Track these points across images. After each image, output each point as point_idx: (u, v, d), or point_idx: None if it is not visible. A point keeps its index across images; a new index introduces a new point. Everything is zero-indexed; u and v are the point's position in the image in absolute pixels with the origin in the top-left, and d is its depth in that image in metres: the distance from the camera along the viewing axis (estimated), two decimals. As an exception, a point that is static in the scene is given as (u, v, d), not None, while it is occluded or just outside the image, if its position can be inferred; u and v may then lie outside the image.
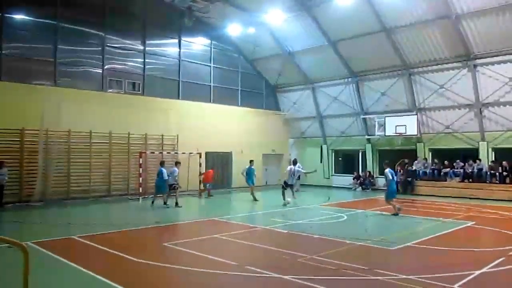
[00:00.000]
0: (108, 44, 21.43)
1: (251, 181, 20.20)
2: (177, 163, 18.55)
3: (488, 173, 20.83)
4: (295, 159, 20.22)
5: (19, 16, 18.83)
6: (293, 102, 29.11)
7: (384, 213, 15.44)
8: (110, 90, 21.38)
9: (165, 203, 17.57)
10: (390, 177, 15.03)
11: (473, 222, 13.40)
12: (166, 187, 17.76)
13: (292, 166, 18.50)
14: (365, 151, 26.67)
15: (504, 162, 20.50)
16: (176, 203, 17.20)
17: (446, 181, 22.19)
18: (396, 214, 14.67)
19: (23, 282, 4.20)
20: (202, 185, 22.00)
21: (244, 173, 20.39)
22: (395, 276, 7.30)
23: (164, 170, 17.80)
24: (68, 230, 12.01)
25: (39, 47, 19.23)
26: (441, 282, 6.89)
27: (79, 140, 19.62)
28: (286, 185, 18.09)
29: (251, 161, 20.71)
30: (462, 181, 21.58)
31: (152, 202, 17.84)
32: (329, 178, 28.17)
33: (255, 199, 19.46)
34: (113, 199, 19.79)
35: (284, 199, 17.70)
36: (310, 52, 25.30)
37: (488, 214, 15.56)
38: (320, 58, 25.39)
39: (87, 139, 19.83)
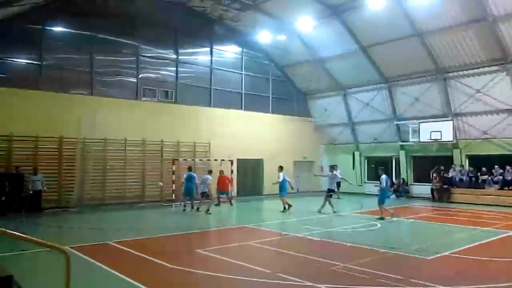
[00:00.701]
0: (141, 54, 21.97)
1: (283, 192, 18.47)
2: (210, 172, 18.82)
3: (529, 180, 20.05)
4: (335, 165, 20.15)
5: (57, 29, 19.58)
6: (324, 108, 28.92)
7: (418, 220, 15.08)
8: (144, 99, 21.88)
9: (197, 209, 17.80)
10: (384, 185, 16.12)
11: (514, 231, 12.92)
12: (194, 192, 18.20)
13: (333, 172, 18.26)
14: (398, 158, 26.16)
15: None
16: (208, 210, 17.34)
17: (484, 188, 21.48)
18: (382, 218, 15.31)
19: (65, 287, 4.34)
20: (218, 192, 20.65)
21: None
22: (432, 286, 7.11)
23: (194, 175, 18.32)
24: (104, 236, 12.32)
25: (76, 58, 19.95)
26: (480, 293, 6.68)
27: (114, 148, 20.14)
28: (330, 192, 17.62)
29: (281, 168, 18.98)
30: (501, 188, 20.83)
31: (184, 208, 18.16)
32: (361, 185, 27.76)
33: (286, 208, 18.10)
34: (147, 205, 20.15)
35: (332, 206, 17.22)
36: (341, 57, 25.11)
37: (529, 223, 14.97)
38: (351, 63, 25.15)
39: (122, 147, 20.33)
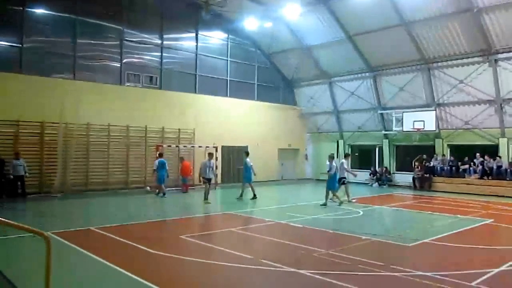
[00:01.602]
0: (126, 38, 21.63)
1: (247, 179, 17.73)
2: (210, 154, 17.31)
3: (508, 170, 20.44)
4: (347, 152, 20.42)
5: (39, 11, 19.12)
6: (310, 96, 28.97)
7: (400, 208, 15.31)
8: (128, 84, 21.60)
9: (163, 194, 18.10)
10: (333, 171, 16.14)
11: (492, 220, 13.19)
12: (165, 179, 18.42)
13: (343, 160, 17.67)
14: (382, 147, 26.43)
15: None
16: (206, 198, 16.48)
17: (464, 177, 21.88)
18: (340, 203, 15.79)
19: (46, 271, 4.31)
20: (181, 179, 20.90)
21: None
22: (411, 272, 7.25)
23: (165, 161, 18.59)
24: (87, 221, 12.22)
25: (58, 41, 19.53)
26: (458, 279, 6.83)
27: (97, 133, 19.91)
28: (343, 179, 17.02)
29: (247, 154, 18.38)
30: (481, 177, 21.23)
31: (163, 194, 18.23)
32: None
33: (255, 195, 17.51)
34: (131, 191, 20.04)
35: (348, 196, 16.89)
36: (328, 46, 25.12)
37: (507, 211, 15.31)
38: (337, 52, 25.20)
39: (106, 132, 20.10)
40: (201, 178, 16.62)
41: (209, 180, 16.62)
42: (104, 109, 19.89)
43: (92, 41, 20.53)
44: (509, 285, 6.79)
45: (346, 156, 18.62)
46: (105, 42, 21.00)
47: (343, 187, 16.92)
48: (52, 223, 12.08)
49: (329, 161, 16.40)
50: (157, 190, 18.76)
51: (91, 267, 7.61)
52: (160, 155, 18.93)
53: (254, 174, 17.66)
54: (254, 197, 17.36)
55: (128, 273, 7.02)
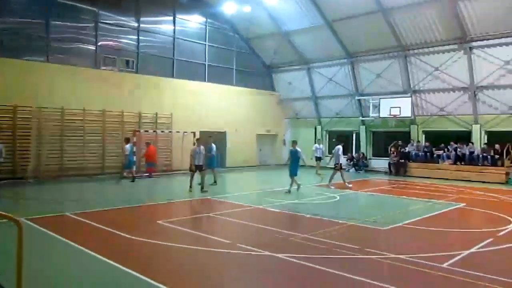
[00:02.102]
0: (101, 20, 21.11)
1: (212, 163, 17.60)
2: (198, 140, 17.02)
3: (480, 155, 20.98)
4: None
5: (10, -10, 18.46)
6: (288, 82, 28.99)
7: (376, 193, 15.57)
8: (104, 67, 21.14)
9: (215, 181, 17.41)
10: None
11: (464, 204, 13.58)
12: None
13: (339, 146, 17.74)
14: (359, 133, 26.73)
15: (496, 145, 20.64)
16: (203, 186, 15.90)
17: (438, 163, 22.37)
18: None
19: (17, 257, 4.22)
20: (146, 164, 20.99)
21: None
22: (386, 255, 7.41)
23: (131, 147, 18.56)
24: (61, 207, 12.03)
25: (30, 22, 18.91)
26: (430, 261, 7.01)
27: (72, 117, 19.49)
28: (340, 167, 17.29)
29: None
30: (454, 163, 21.74)
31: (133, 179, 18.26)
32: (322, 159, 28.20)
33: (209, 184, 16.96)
34: (107, 177, 19.77)
35: (345, 180, 17.18)
36: (306, 32, 25.09)
37: (478, 196, 15.75)
38: (316, 38, 25.21)
39: (81, 117, 19.70)
40: (191, 167, 15.79)
41: (200, 167, 15.88)
42: (79, 93, 19.46)
43: (66, 23, 19.93)
44: (478, 266, 7.01)
45: (318, 142, 18.58)
46: (80, 24, 20.43)
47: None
48: (25, 209, 11.83)
49: (292, 146, 16.38)
50: (129, 175, 18.68)
51: (65, 253, 7.51)
52: (127, 140, 18.63)
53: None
54: (214, 183, 17.26)
55: (105, 258, 6.95)
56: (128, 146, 18.44)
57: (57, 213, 10.91)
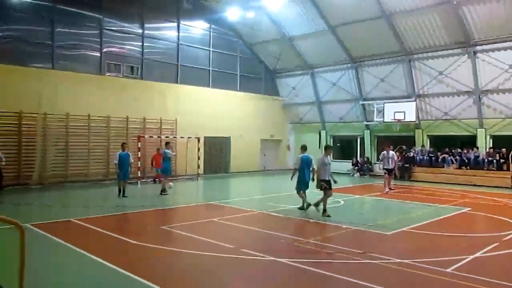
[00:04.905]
0: (106, 27, 21.26)
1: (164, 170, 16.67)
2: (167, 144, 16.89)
3: (485, 160, 20.88)
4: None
5: (16, -2, 18.65)
6: (292, 87, 29.02)
7: (380, 198, 15.52)
8: (108, 74, 21.27)
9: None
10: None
11: (469, 208, 13.49)
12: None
13: (387, 152, 17.59)
14: (363, 137, 26.69)
15: (503, 149, 20.51)
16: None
17: (443, 167, 22.27)
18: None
19: (20, 262, 4.22)
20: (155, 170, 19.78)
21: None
22: (390, 260, 7.38)
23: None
24: (66, 213, 12.09)
25: (36, 29, 19.07)
26: (435, 266, 6.97)
27: (77, 124, 19.59)
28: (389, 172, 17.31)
29: (167, 144, 16.98)
30: (459, 167, 21.64)
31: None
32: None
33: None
34: (111, 182, 19.79)
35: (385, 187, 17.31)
36: (310, 37, 25.13)
37: (483, 200, 15.65)
38: (319, 43, 25.24)
39: (85, 123, 19.80)
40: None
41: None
42: (83, 99, 19.58)
43: (71, 30, 20.08)
44: (483, 270, 6.97)
45: (326, 148, 13.68)
46: (85, 31, 20.57)
47: None
48: (30, 215, 11.89)
49: (302, 151, 13.39)
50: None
51: (70, 259, 7.52)
52: (123, 146, 16.03)
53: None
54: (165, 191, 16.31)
55: (110, 264, 6.97)
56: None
57: (62, 219, 10.95)
